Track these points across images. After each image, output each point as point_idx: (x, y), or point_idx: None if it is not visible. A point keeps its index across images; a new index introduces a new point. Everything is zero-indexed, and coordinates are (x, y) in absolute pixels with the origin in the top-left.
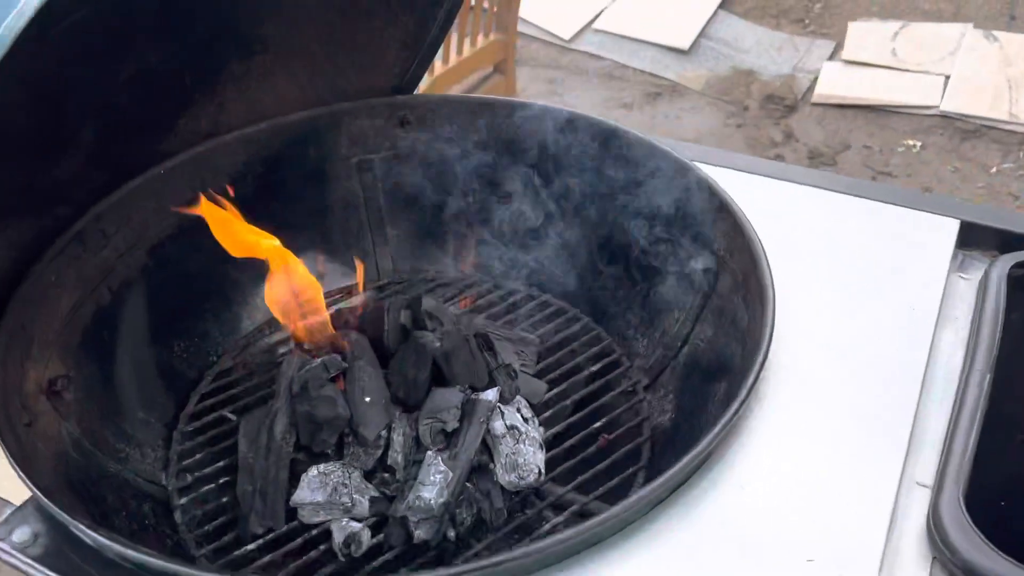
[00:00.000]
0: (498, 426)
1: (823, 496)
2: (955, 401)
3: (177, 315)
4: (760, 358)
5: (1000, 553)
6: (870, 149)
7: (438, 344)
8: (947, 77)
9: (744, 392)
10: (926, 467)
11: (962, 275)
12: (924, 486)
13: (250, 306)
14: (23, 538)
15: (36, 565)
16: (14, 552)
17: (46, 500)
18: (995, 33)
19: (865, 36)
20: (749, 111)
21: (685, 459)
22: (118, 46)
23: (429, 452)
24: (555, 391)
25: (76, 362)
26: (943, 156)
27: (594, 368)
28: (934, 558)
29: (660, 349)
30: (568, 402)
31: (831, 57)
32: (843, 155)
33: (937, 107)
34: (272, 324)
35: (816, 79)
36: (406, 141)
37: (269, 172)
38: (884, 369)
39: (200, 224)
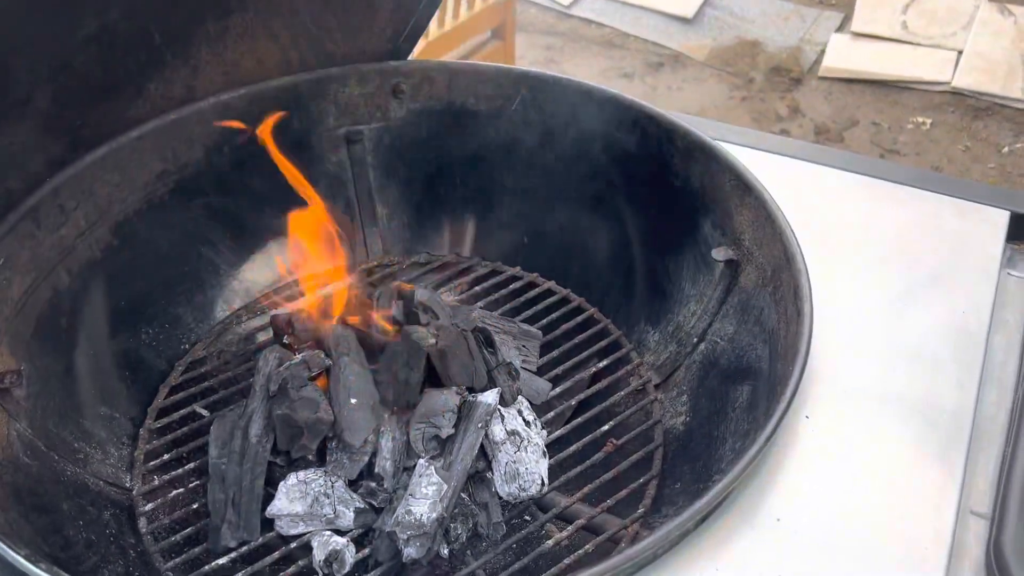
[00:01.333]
0: (498, 431)
1: (871, 529)
2: (1011, 418)
3: (145, 299)
4: (799, 367)
5: None
6: (878, 126)
7: (433, 341)
8: (959, 52)
9: (782, 406)
10: (982, 493)
11: (1012, 272)
12: (980, 516)
13: (226, 290)
14: None
15: None
16: None
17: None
18: (1010, 7)
19: (875, 8)
20: (754, 83)
21: (715, 489)
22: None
23: (421, 460)
24: (559, 389)
25: (29, 354)
26: (953, 134)
27: (601, 364)
28: None
29: (674, 344)
30: (573, 402)
31: (839, 29)
32: (850, 131)
33: (948, 83)
34: (249, 309)
35: (823, 51)
36: (399, 111)
37: (248, 143)
38: (934, 381)
39: (172, 200)
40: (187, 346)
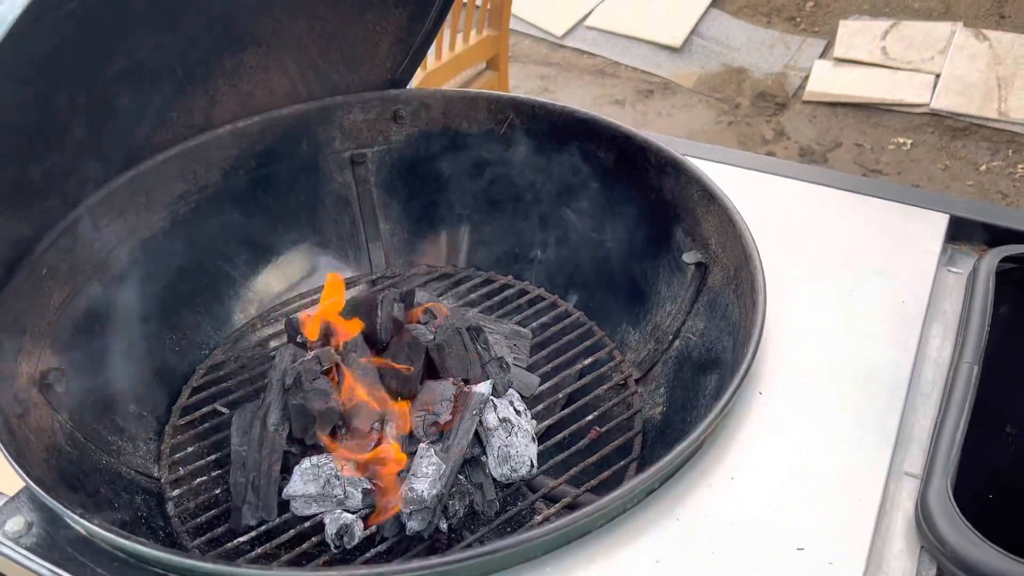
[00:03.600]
0: (491, 419)
1: (813, 486)
2: (943, 392)
3: (169, 308)
4: (751, 350)
5: (988, 543)
6: (861, 147)
7: (431, 337)
8: (937, 75)
9: (735, 383)
10: (915, 458)
11: (951, 269)
12: (913, 476)
13: (242, 300)
14: (16, 528)
15: (29, 555)
16: (7, 542)
17: (39, 489)
18: (985, 32)
19: (856, 34)
20: (741, 108)
21: (675, 450)
22: (109, 38)
23: (422, 444)
24: (547, 384)
25: (68, 355)
26: (933, 154)
27: (586, 361)
28: (922, 547)
29: (652, 343)
30: (560, 395)
31: (822, 55)
32: (834, 153)
33: (927, 105)
34: (264, 318)
35: (807, 77)
36: (399, 135)
37: (261, 165)
38: (874, 361)
39: (192, 217)
40: (207, 351)
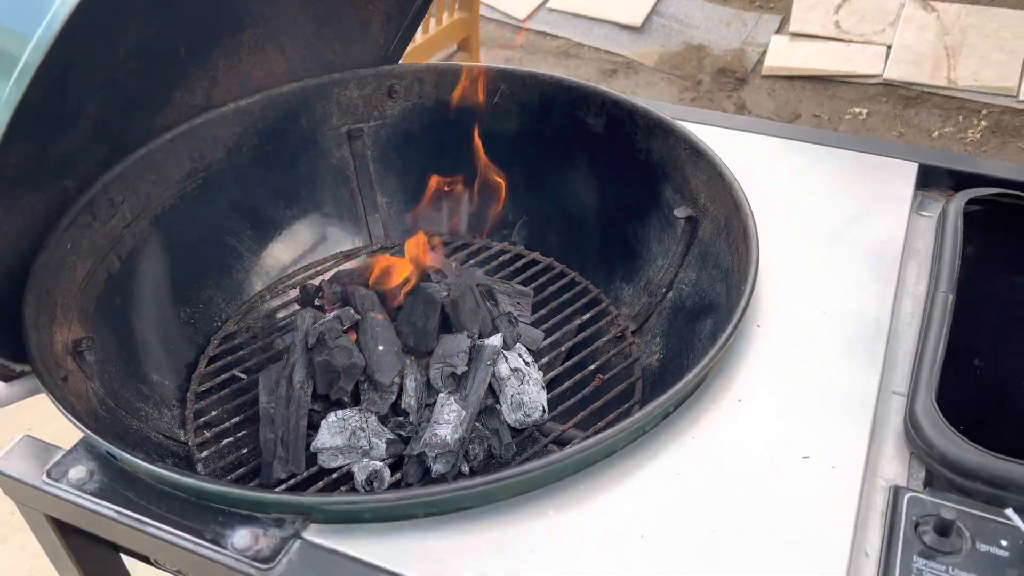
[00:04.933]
0: (503, 369)
1: (812, 404)
2: (923, 319)
3: (182, 282)
4: (749, 287)
5: (970, 443)
6: (819, 118)
7: (445, 293)
8: (889, 47)
9: (737, 315)
10: (900, 379)
11: (922, 213)
12: (900, 394)
13: (250, 273)
14: (79, 476)
15: (94, 499)
16: (73, 490)
17: (99, 438)
18: (932, 3)
19: (809, 9)
20: (702, 85)
21: (687, 376)
22: (118, 20)
23: (441, 394)
24: (549, 340)
25: (94, 326)
26: (888, 122)
27: (585, 317)
28: (912, 453)
29: (645, 297)
30: (563, 348)
31: (778, 30)
32: (793, 124)
33: (880, 76)
34: (271, 290)
35: (765, 52)
36: (394, 110)
37: (263, 143)
38: (858, 297)
39: (199, 194)
40: (219, 323)
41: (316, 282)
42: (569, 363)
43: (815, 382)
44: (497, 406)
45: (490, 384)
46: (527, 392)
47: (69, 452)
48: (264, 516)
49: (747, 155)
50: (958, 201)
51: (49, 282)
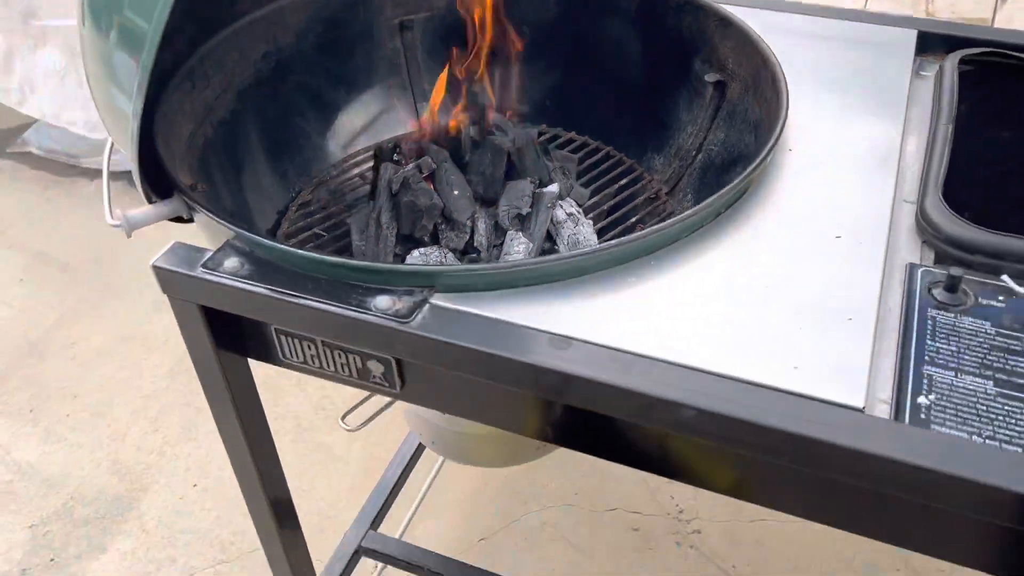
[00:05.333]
0: (560, 214)
1: (840, 205)
2: (928, 142)
3: (258, 156)
4: (783, 116)
5: (970, 223)
6: None
7: (511, 143)
8: None
9: (774, 136)
10: (911, 190)
11: (921, 73)
12: (910, 202)
13: (319, 150)
14: (233, 266)
15: (251, 282)
16: (229, 276)
17: (244, 231)
18: None
19: None
20: None
21: (738, 178)
22: None
23: (510, 231)
24: (590, 201)
25: (199, 182)
26: None
27: (621, 183)
28: (923, 241)
29: (676, 162)
30: (604, 208)
31: None
32: None
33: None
34: (336, 166)
35: None
36: (442, 1)
37: (327, 31)
38: (871, 133)
39: (274, 75)
40: (293, 194)
41: (392, 141)
42: (610, 219)
43: (842, 189)
44: (556, 247)
45: (548, 230)
46: (582, 232)
47: (219, 250)
48: (396, 288)
49: (762, 23)
50: (954, 57)
51: (166, 134)
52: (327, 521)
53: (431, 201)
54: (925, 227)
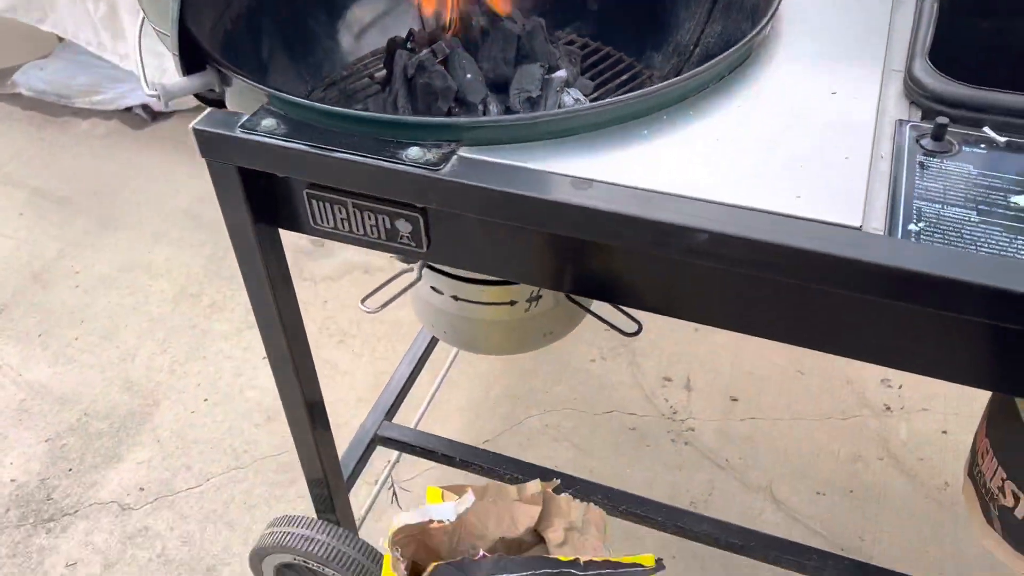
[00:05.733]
0: (567, 99)
1: (836, 71)
2: (916, 12)
3: (273, 55)
4: None
5: (955, 80)
6: None
7: (521, 28)
8: None
9: (770, 12)
10: (900, 60)
11: None
12: (897, 71)
13: (330, 53)
14: (270, 125)
15: (288, 139)
16: (267, 134)
17: (278, 92)
18: None
19: None
20: None
21: (740, 43)
22: None
23: (520, 113)
24: (595, 93)
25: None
26: None
27: (623, 78)
28: (911, 102)
29: (675, 58)
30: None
31: None
32: None
33: None
34: (346, 68)
35: None
36: None
37: None
38: (865, 6)
39: None
40: (306, 94)
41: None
42: None
43: (836, 55)
44: None
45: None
46: None
47: (254, 113)
48: (425, 141)
49: None
50: None
51: (195, 15)
52: (337, 430)
53: (446, 83)
54: (912, 87)
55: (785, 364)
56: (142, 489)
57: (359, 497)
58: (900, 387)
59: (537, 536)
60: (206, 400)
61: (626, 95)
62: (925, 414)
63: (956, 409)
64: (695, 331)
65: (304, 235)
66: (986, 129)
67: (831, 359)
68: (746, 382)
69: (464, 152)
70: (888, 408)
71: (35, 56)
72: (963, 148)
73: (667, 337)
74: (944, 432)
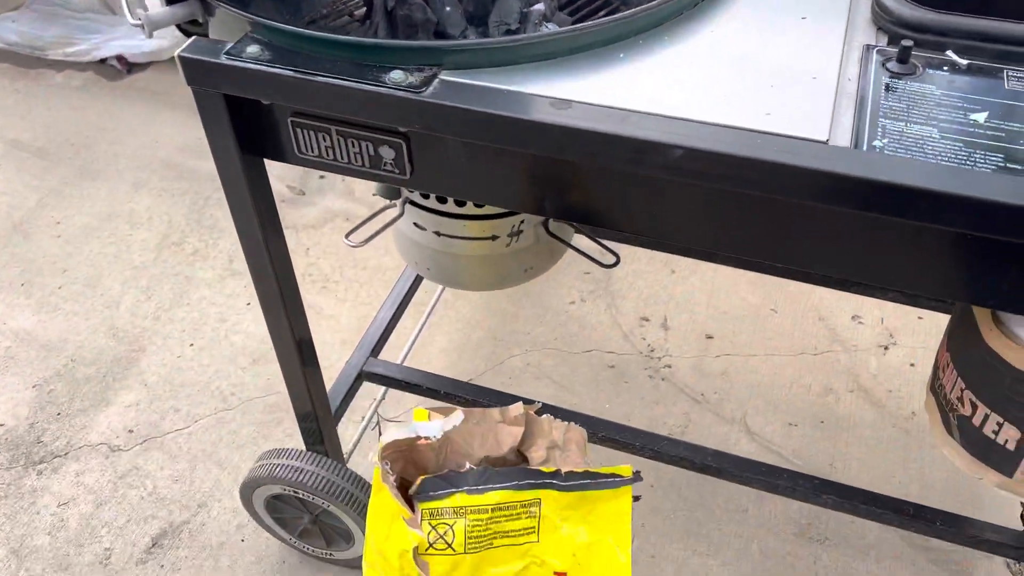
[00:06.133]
0: (545, 32)
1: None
2: None
3: None
4: None
5: (920, 6)
6: None
7: None
8: None
9: None
10: None
11: None
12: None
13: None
14: (255, 51)
15: (272, 65)
16: (252, 61)
17: (262, 19)
18: None
19: None
20: None
21: None
22: None
23: None
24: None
25: None
26: None
27: (599, 14)
28: (878, 28)
29: None
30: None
31: None
32: None
33: None
34: (327, 7)
35: None
36: None
37: None
38: None
39: None
40: None
41: None
42: None
43: None
44: None
45: None
46: None
47: (239, 40)
48: (407, 65)
49: None
50: None
51: None
52: (324, 371)
53: (426, 15)
54: (879, 13)
55: (759, 303)
56: (131, 431)
57: (346, 436)
58: (870, 323)
59: (520, 455)
60: (192, 345)
61: (604, 19)
62: (894, 348)
63: (923, 343)
64: (672, 272)
65: (285, 184)
66: (949, 52)
67: (804, 298)
68: (721, 321)
69: (446, 76)
70: (857, 344)
71: (6, 9)
72: (927, 70)
73: (644, 279)
74: (912, 365)
